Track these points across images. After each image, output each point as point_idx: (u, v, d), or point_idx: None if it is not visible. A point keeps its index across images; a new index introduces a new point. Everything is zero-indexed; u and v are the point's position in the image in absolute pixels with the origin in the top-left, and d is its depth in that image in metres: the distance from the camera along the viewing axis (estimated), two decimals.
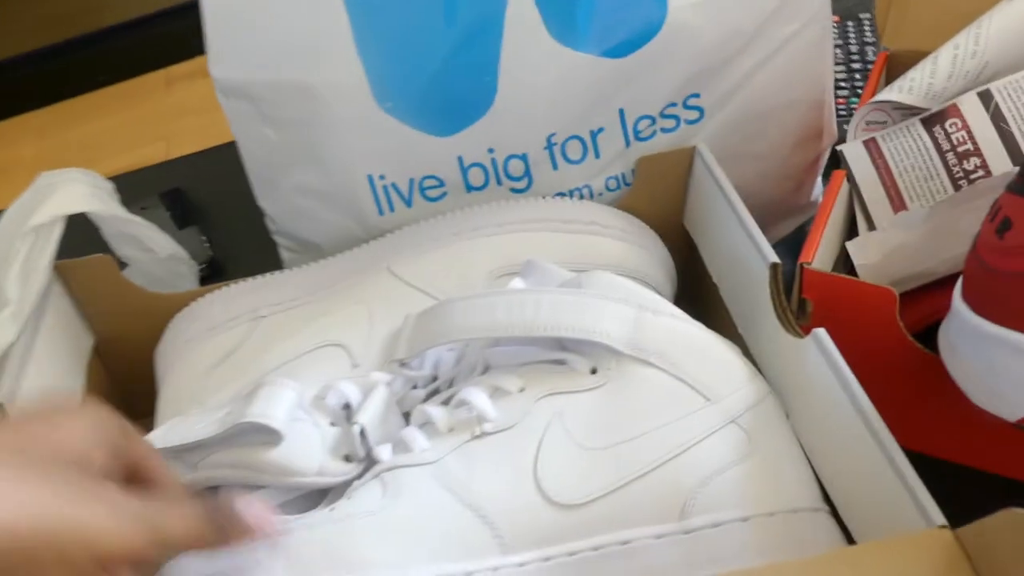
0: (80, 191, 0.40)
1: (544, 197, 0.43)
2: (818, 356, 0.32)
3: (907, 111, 0.41)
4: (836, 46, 0.60)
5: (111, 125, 1.78)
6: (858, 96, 0.56)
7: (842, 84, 0.57)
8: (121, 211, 0.42)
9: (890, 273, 0.39)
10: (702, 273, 0.43)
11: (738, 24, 0.41)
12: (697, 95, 0.43)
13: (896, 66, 0.46)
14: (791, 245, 0.47)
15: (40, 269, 0.39)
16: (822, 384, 0.32)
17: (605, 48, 0.40)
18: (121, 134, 1.75)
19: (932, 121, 0.40)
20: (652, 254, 0.42)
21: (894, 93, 0.40)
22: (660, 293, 0.41)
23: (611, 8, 0.39)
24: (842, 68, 0.58)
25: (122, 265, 0.49)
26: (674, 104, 0.43)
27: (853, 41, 0.60)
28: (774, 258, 0.35)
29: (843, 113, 0.56)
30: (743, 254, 0.38)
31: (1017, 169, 0.32)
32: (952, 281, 0.35)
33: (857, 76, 0.58)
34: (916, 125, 0.40)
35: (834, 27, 0.61)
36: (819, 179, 0.49)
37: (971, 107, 0.39)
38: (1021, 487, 0.40)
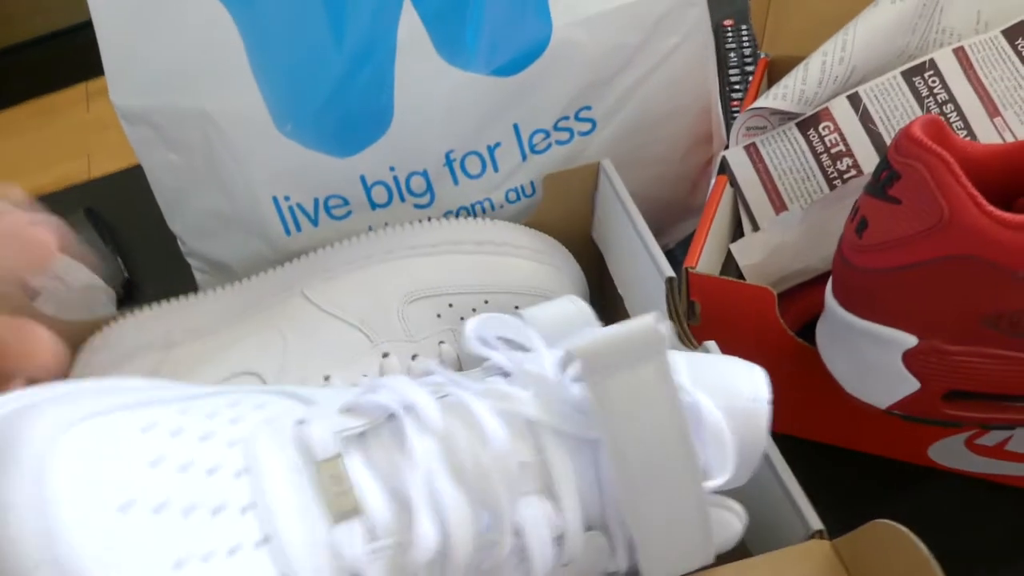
0: None
1: (457, 218, 0.44)
2: None
3: (784, 116, 0.43)
4: (730, 50, 0.62)
5: (30, 142, 1.74)
6: None
7: (736, 87, 0.60)
8: None
9: (773, 272, 0.41)
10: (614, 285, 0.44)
11: (622, 39, 0.43)
12: (588, 107, 0.44)
13: (777, 71, 0.49)
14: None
15: None
16: None
17: (494, 67, 0.41)
18: (41, 150, 1.71)
19: (807, 125, 0.42)
20: (563, 272, 0.43)
21: (769, 100, 0.43)
22: None
23: (498, 28, 0.41)
24: (736, 72, 0.61)
25: (34, 293, 0.49)
26: (566, 117, 0.44)
27: (747, 44, 0.62)
28: (670, 272, 0.37)
29: (737, 115, 0.58)
30: (643, 267, 0.39)
31: (874, 170, 0.34)
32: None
33: (751, 79, 0.60)
34: (792, 129, 0.43)
35: (728, 31, 0.64)
36: (713, 181, 0.51)
37: (841, 110, 0.42)
38: (893, 465, 0.43)
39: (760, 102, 0.43)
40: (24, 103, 1.81)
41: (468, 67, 0.41)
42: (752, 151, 0.43)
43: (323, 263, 0.42)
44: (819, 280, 0.41)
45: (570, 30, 0.42)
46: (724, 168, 0.44)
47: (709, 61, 0.46)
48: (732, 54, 0.62)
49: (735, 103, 0.59)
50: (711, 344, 0.34)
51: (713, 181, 0.50)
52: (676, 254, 0.52)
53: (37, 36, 1.78)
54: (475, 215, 0.46)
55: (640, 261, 0.39)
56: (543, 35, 0.41)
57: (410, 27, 0.40)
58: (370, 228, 0.45)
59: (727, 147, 0.46)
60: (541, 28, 0.41)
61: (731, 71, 0.61)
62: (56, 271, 0.47)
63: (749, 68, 0.61)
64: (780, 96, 0.42)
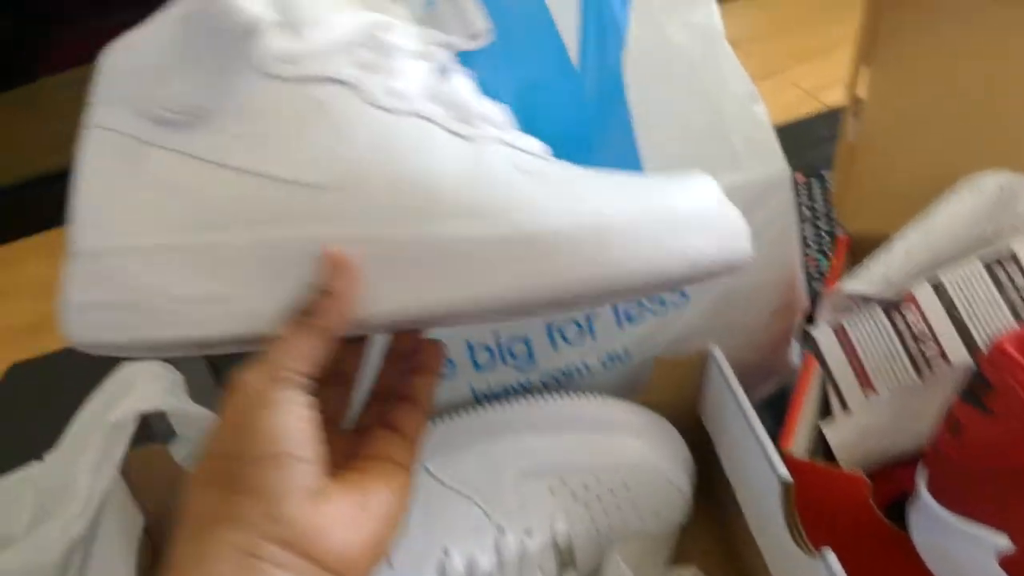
0: (157, 388, 0.42)
1: (572, 395, 0.45)
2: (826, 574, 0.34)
3: (869, 298, 0.46)
4: (802, 204, 0.65)
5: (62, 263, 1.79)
6: (825, 255, 0.61)
7: (810, 243, 0.62)
8: (192, 406, 0.44)
9: (862, 452, 0.43)
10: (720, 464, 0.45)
11: None
12: None
13: (858, 248, 0.51)
14: (773, 402, 0.52)
15: (112, 463, 0.41)
16: None
17: None
18: None
19: (892, 308, 0.45)
20: (670, 450, 0.44)
21: (855, 284, 0.45)
22: (678, 487, 0.44)
23: None
24: (809, 226, 0.64)
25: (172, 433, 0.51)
26: None
27: (818, 199, 0.65)
28: (787, 477, 0.37)
29: (812, 273, 0.61)
30: (756, 464, 0.39)
31: (968, 376, 0.36)
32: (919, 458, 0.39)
33: (824, 234, 0.63)
34: (877, 311, 0.45)
35: (799, 186, 0.67)
36: (798, 352, 0.53)
37: (925, 296, 0.44)
38: None
39: (847, 286, 0.45)
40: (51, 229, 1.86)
41: None
42: (839, 332, 0.45)
43: (444, 437, 0.44)
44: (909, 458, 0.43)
45: None
46: (811, 345, 0.46)
47: (794, 239, 0.49)
48: (804, 208, 0.65)
49: (809, 259, 0.61)
50: (828, 552, 0.34)
51: (799, 354, 0.53)
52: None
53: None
54: (571, 376, 0.49)
55: (753, 457, 0.40)
56: None
57: None
58: (471, 387, 0.48)
59: (810, 317, 0.48)
60: None
61: (802, 225, 0.64)
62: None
63: (820, 223, 0.64)
64: (866, 280, 0.45)
